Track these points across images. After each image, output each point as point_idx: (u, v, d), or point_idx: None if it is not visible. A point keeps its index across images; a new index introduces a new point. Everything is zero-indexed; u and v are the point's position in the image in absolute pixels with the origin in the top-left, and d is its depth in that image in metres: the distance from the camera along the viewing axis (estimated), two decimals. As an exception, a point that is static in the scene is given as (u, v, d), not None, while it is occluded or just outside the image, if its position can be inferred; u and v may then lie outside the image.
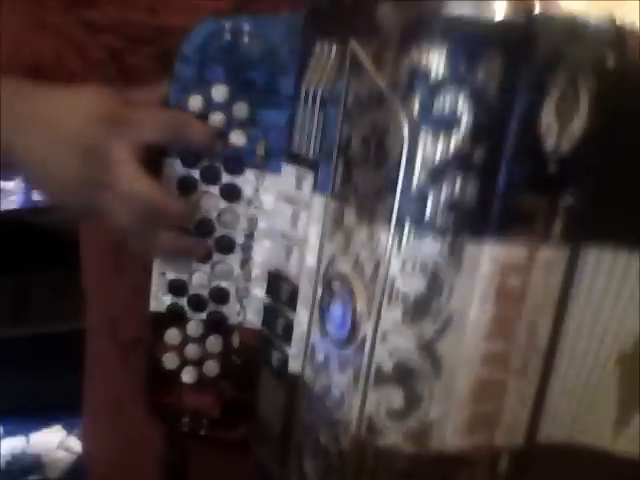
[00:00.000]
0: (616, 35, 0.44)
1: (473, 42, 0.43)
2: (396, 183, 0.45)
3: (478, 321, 0.46)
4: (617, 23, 0.45)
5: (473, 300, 0.46)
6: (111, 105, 0.55)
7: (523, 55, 0.43)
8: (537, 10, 0.43)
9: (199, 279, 0.60)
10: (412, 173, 0.45)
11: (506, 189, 0.44)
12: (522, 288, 0.46)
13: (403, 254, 0.46)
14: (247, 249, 0.60)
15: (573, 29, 0.44)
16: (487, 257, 0.45)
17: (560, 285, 0.47)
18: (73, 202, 0.56)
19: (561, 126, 0.44)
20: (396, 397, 0.47)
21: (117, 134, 0.54)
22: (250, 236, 0.59)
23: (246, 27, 0.56)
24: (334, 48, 0.52)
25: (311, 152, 0.53)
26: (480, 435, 0.48)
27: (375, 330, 0.47)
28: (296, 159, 0.55)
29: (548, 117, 0.44)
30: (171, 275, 0.60)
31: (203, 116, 0.57)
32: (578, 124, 0.44)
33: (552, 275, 0.47)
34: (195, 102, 0.57)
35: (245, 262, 0.60)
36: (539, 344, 0.48)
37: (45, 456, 1.66)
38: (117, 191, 0.54)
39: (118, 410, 0.72)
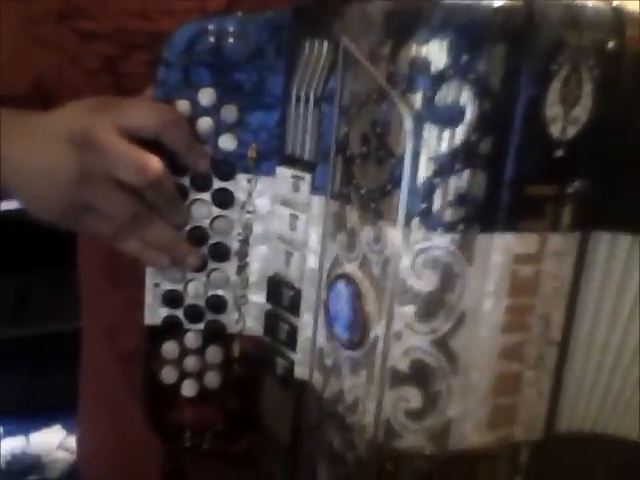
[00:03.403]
0: (615, 18, 0.44)
1: (474, 31, 0.42)
2: (401, 179, 0.44)
3: (492, 314, 0.45)
4: (615, 6, 0.45)
5: (486, 293, 0.45)
6: (96, 99, 0.55)
7: (525, 42, 0.42)
8: (535, -4, 0.43)
9: (195, 289, 0.58)
10: (417, 168, 0.44)
11: (514, 178, 0.44)
12: (534, 278, 0.46)
13: (413, 251, 0.45)
14: (243, 255, 0.58)
15: (572, 14, 0.43)
16: (498, 248, 0.45)
17: (571, 273, 0.47)
18: (68, 199, 0.53)
19: (566, 112, 0.44)
20: (414, 397, 0.46)
21: (100, 116, 0.52)
22: (245, 242, 0.58)
23: (230, 28, 0.54)
24: (324, 46, 0.51)
25: (306, 153, 0.52)
26: (500, 430, 0.48)
27: (388, 330, 0.46)
28: (291, 161, 0.54)
29: (553, 103, 0.43)
30: (166, 286, 0.58)
31: (190, 121, 0.55)
32: (583, 109, 0.44)
33: (563, 264, 0.46)
34: (182, 107, 0.55)
35: (241, 269, 0.58)
36: (553, 334, 0.48)
37: (45, 456, 1.65)
38: (108, 164, 0.51)
39: (116, 417, 0.71)
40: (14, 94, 0.62)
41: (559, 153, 0.44)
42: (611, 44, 0.44)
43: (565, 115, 0.44)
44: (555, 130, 0.44)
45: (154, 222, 0.55)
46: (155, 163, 0.52)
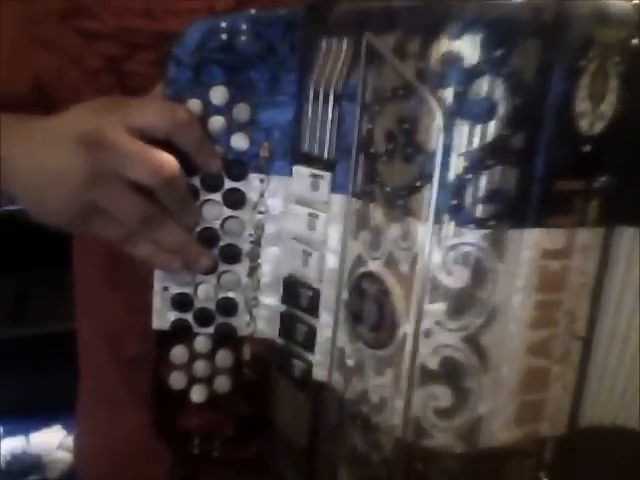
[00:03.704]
0: (638, 15, 0.45)
1: (508, 25, 0.42)
2: (431, 176, 0.44)
3: (521, 310, 0.45)
4: (636, 2, 0.45)
5: (516, 289, 0.45)
6: (102, 100, 0.53)
7: (558, 37, 0.42)
8: (563, -8, 0.43)
9: (205, 291, 0.57)
10: (448, 164, 0.44)
11: (544, 174, 0.44)
12: (562, 273, 0.46)
13: (443, 247, 0.44)
14: (254, 257, 0.57)
15: (600, 10, 0.43)
16: (528, 244, 0.45)
17: (596, 268, 0.47)
18: (77, 202, 0.52)
19: (594, 107, 0.44)
20: (444, 395, 0.46)
21: (109, 117, 0.51)
22: (257, 243, 0.57)
23: (243, 25, 0.54)
24: (344, 43, 0.50)
25: (326, 151, 0.52)
26: (527, 427, 0.48)
27: (417, 328, 0.46)
28: (308, 159, 0.53)
29: (582, 98, 0.43)
30: (175, 289, 0.57)
31: (202, 120, 0.54)
32: (609, 104, 0.44)
33: (589, 259, 0.47)
34: (193, 106, 0.54)
35: (253, 270, 0.57)
36: (578, 329, 0.48)
37: (45, 456, 1.65)
38: (120, 168, 0.50)
39: (116, 419, 0.70)
40: (14, 94, 0.60)
41: (587, 148, 0.44)
42: (635, 41, 0.44)
43: (593, 110, 0.44)
44: (584, 125, 0.44)
45: (166, 224, 0.53)
46: (170, 161, 0.51)
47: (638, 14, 0.45)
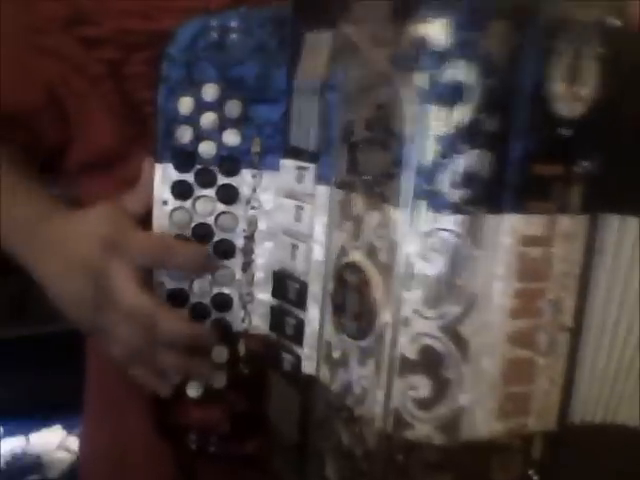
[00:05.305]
0: (617, -4, 0.44)
1: (477, 8, 0.42)
2: (407, 162, 0.44)
3: (502, 298, 0.44)
4: (617, -15, 0.44)
5: (495, 276, 0.44)
6: (110, 228, 0.56)
7: (528, 19, 0.42)
8: (538, -26, 0.42)
9: (200, 287, 0.58)
10: (423, 149, 0.43)
11: (521, 158, 0.43)
12: (544, 261, 0.45)
13: (420, 234, 0.44)
14: (248, 252, 0.57)
15: (575, -9, 0.43)
16: (506, 229, 0.44)
17: (581, 257, 0.46)
18: (84, 318, 0.58)
19: (571, 90, 0.43)
20: (423, 385, 0.45)
21: (116, 260, 0.55)
22: (250, 238, 0.57)
23: (233, 23, 0.55)
24: (327, 35, 0.50)
25: (311, 143, 0.52)
26: (512, 420, 0.46)
27: (396, 316, 0.45)
28: (295, 153, 0.53)
29: (558, 81, 0.43)
30: (170, 284, 0.58)
31: (194, 117, 0.55)
32: (589, 87, 0.44)
33: (573, 247, 0.46)
34: (186, 103, 0.55)
35: (247, 265, 0.58)
36: (565, 320, 0.46)
37: (45, 456, 1.67)
38: (119, 308, 0.55)
39: (120, 424, 0.70)
40: (29, 109, 0.62)
41: (565, 132, 0.44)
42: (614, 21, 0.44)
43: (571, 93, 0.43)
44: (561, 108, 0.43)
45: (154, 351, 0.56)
46: (160, 310, 0.55)
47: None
